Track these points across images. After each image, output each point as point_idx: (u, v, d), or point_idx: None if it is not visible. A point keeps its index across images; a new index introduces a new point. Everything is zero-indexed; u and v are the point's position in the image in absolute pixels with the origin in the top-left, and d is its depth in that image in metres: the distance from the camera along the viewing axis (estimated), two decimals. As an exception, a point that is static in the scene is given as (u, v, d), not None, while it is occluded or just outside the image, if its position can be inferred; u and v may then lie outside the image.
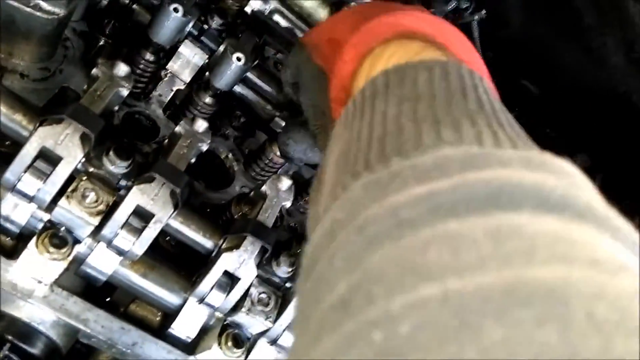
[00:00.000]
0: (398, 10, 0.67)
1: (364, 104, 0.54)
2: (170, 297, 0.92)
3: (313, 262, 0.43)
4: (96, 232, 0.84)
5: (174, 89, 1.15)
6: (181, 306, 0.91)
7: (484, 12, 1.45)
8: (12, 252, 0.84)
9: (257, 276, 0.91)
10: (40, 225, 0.84)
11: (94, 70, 0.87)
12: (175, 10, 0.98)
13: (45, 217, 0.84)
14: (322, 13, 1.28)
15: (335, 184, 0.48)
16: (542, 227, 0.35)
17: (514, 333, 0.28)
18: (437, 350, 0.29)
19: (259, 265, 0.90)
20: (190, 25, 1.08)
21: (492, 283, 0.31)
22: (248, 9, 1.20)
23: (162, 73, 1.14)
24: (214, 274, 0.88)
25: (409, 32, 0.64)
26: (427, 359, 0.29)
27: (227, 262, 0.88)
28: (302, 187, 1.21)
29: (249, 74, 1.16)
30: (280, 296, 0.93)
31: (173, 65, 1.14)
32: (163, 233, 0.89)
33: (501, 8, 1.45)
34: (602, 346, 0.27)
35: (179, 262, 0.97)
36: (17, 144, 0.81)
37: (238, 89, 1.18)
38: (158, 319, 0.99)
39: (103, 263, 0.87)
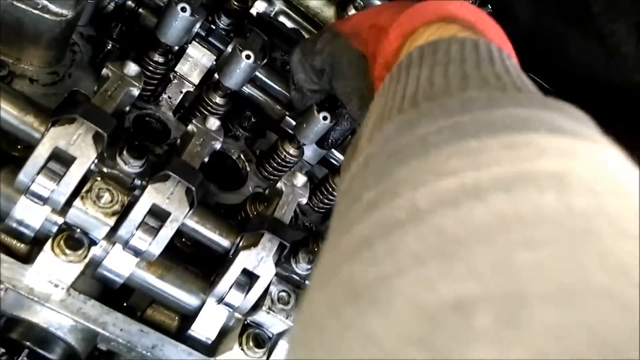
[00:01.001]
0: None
1: (399, 73, 0.58)
2: (189, 299, 0.90)
3: (348, 187, 0.47)
4: (112, 233, 0.82)
5: (183, 90, 1.14)
6: (200, 307, 0.90)
7: (489, 7, 1.44)
8: (28, 257, 0.82)
9: (276, 274, 0.89)
10: (54, 229, 0.83)
11: (104, 71, 0.86)
12: (183, 9, 0.97)
13: (60, 219, 0.83)
14: (327, 12, 1.27)
15: (372, 129, 0.53)
16: (553, 142, 0.39)
17: (520, 200, 0.33)
18: (453, 213, 0.34)
19: (277, 263, 0.89)
20: (198, 25, 1.07)
21: (504, 172, 0.36)
22: (253, 11, 1.20)
23: (171, 75, 1.13)
24: (233, 272, 0.86)
25: (452, 17, 0.68)
26: (444, 223, 0.34)
27: (245, 260, 0.86)
28: (315, 187, 1.19)
29: (258, 74, 1.16)
30: (300, 294, 0.91)
31: (182, 68, 1.13)
32: (179, 234, 0.88)
33: (508, 2, 1.44)
34: (594, 204, 0.33)
35: (196, 263, 0.96)
36: (30, 147, 0.80)
37: (247, 89, 1.17)
38: (175, 323, 0.98)
39: (120, 265, 0.85)
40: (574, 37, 1.36)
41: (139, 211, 0.81)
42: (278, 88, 1.18)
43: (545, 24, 1.41)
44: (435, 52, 0.58)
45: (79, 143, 0.78)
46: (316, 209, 1.21)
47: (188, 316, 0.92)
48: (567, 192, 0.33)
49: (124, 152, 0.82)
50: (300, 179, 0.97)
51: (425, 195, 0.36)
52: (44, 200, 0.78)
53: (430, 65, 0.56)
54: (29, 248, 0.84)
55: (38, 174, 0.77)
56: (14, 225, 0.81)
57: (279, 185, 0.96)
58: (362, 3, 1.22)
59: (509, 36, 1.72)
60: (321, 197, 1.22)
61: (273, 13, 1.24)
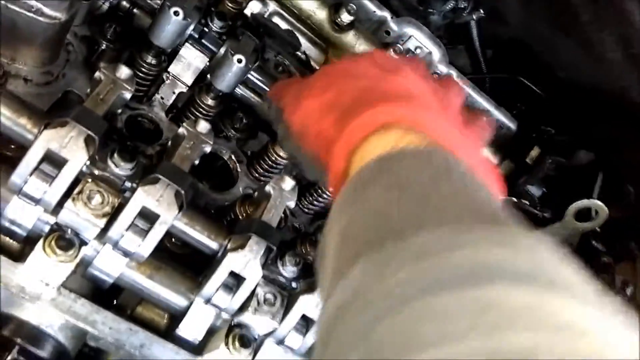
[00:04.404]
0: (375, 100, 0.74)
1: (353, 196, 0.62)
2: (177, 299, 0.92)
3: (324, 344, 0.51)
4: (102, 234, 0.84)
5: (176, 91, 1.16)
6: (188, 307, 0.92)
7: (481, 11, 1.46)
8: (19, 256, 0.84)
9: (262, 276, 0.91)
10: (46, 228, 0.85)
11: (97, 74, 0.88)
12: (176, 13, 0.98)
13: (52, 220, 0.85)
14: (320, 14, 1.29)
15: (336, 270, 0.56)
16: (514, 299, 0.42)
17: None
18: None
19: (264, 265, 0.91)
20: (191, 28, 1.09)
21: (476, 350, 0.39)
22: (247, 12, 1.21)
23: (164, 76, 1.15)
24: (220, 274, 0.88)
25: (390, 123, 0.71)
26: None
27: (232, 262, 0.88)
28: (305, 188, 1.21)
29: (250, 75, 1.17)
30: (286, 296, 0.93)
31: (175, 68, 1.14)
32: (168, 234, 0.90)
33: (499, 6, 1.45)
34: None
35: (185, 263, 0.98)
36: (23, 148, 0.82)
37: (239, 90, 1.18)
38: (165, 321, 1.00)
39: (110, 265, 0.87)
40: (563, 43, 1.38)
41: (129, 213, 0.83)
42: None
43: (535, 29, 1.43)
44: (386, 171, 0.62)
45: (71, 146, 0.80)
46: (305, 210, 1.23)
47: (176, 315, 0.94)
48: None
49: (115, 155, 0.84)
50: (289, 183, 0.99)
51: None
52: (36, 201, 0.80)
53: (385, 187, 0.59)
54: (22, 247, 0.86)
55: (31, 175, 0.79)
56: (7, 224, 0.83)
57: (267, 188, 0.98)
58: (354, 7, 1.24)
59: (501, 39, 1.72)
60: (310, 198, 1.24)
61: (267, 14, 1.25)
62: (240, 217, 1.02)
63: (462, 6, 1.44)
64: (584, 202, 1.29)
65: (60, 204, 0.81)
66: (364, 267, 0.51)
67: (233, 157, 1.17)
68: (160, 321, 1.00)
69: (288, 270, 0.95)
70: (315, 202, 1.23)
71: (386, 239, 0.52)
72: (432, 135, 0.70)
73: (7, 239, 0.85)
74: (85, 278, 0.89)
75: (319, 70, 0.88)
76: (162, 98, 1.14)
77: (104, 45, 1.10)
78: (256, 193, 1.03)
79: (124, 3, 1.13)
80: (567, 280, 0.46)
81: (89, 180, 0.83)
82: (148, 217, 0.84)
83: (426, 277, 0.46)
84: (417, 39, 1.33)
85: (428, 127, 0.72)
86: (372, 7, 1.27)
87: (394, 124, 0.71)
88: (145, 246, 0.84)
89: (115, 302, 0.98)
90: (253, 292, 0.91)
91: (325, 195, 1.22)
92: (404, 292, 0.45)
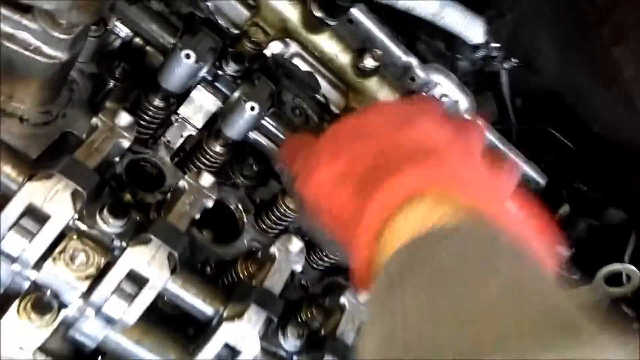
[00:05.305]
0: (394, 168, 0.65)
1: (392, 289, 0.54)
2: (164, 369, 0.84)
3: None
4: (86, 296, 0.76)
5: (185, 134, 1.09)
6: (176, 379, 0.83)
7: (515, 60, 1.38)
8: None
9: (261, 349, 0.82)
10: (26, 285, 0.77)
11: (93, 120, 0.81)
12: (187, 56, 0.92)
13: (33, 274, 0.77)
14: (344, 58, 1.22)
15: None
16: None
17: None
18: None
19: (263, 337, 0.81)
20: (204, 70, 1.02)
21: None
22: (267, 52, 1.14)
23: (173, 118, 1.08)
24: (213, 346, 0.79)
25: (415, 194, 0.63)
26: None
27: (227, 333, 0.79)
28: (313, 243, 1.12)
29: (264, 121, 1.10)
30: (285, 374, 0.84)
31: (185, 111, 1.08)
32: (160, 296, 0.81)
33: (534, 55, 1.38)
34: None
35: (173, 321, 0.89)
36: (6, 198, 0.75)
37: (252, 135, 1.11)
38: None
39: (92, 330, 0.79)
40: (601, 97, 1.31)
41: (115, 275, 0.75)
42: (284, 137, 1.12)
43: (571, 80, 1.35)
44: (424, 260, 0.53)
45: (56, 200, 0.72)
46: (314, 266, 1.14)
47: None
48: None
49: (104, 211, 0.76)
50: (296, 244, 0.91)
51: None
52: (13, 259, 0.73)
53: (426, 282, 0.50)
54: (-2, 304, 0.78)
55: (9, 230, 0.72)
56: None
57: (272, 249, 0.89)
58: (379, 52, 1.17)
59: (532, 88, 1.65)
60: (320, 254, 1.15)
61: (288, 54, 1.19)
62: (241, 275, 0.93)
63: (494, 54, 1.36)
64: (615, 266, 1.22)
65: (40, 262, 0.73)
66: None
67: (240, 206, 1.09)
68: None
69: (290, 343, 0.85)
70: (325, 258, 1.14)
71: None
72: (463, 199, 0.61)
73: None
74: (65, 340, 0.80)
75: (327, 131, 0.80)
76: (168, 141, 1.07)
77: (112, 83, 1.05)
78: (260, 253, 0.94)
79: (137, 40, 1.08)
80: None
81: (74, 237, 0.75)
82: (136, 280, 0.76)
83: None
84: (444, 87, 1.25)
85: (457, 189, 0.64)
86: (398, 52, 1.20)
87: (419, 195, 0.62)
88: (132, 313, 0.76)
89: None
90: (248, 369, 0.81)
91: (335, 252, 1.13)
92: None
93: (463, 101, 1.27)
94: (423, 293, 0.50)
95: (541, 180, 1.34)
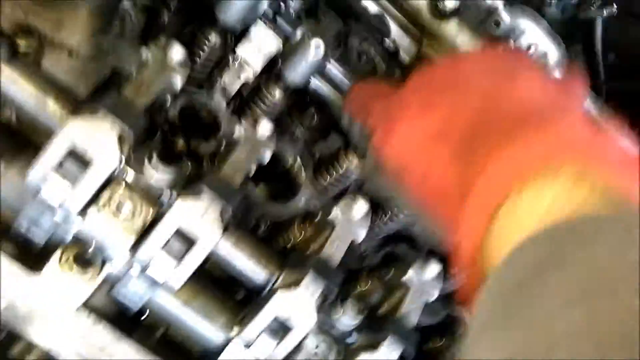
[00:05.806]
0: (509, 129, 0.53)
1: (522, 291, 0.43)
2: (212, 334, 0.77)
3: None
4: (131, 251, 0.69)
5: (242, 77, 0.99)
6: (223, 347, 0.76)
7: (614, 8, 1.20)
8: (36, 267, 0.71)
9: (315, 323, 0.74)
10: (68, 238, 0.71)
11: (144, 54, 0.72)
12: (249, -16, 0.81)
13: (76, 225, 0.71)
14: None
15: None
16: None
17: None
18: None
19: (319, 311, 0.73)
20: (265, 4, 0.91)
21: None
22: (335, -12, 1.02)
23: (230, 57, 0.98)
24: (264, 317, 0.71)
25: (546, 166, 0.50)
26: None
27: (280, 304, 0.71)
28: (377, 204, 1.02)
29: (329, 65, 0.99)
30: (342, 351, 0.75)
31: (243, 50, 0.98)
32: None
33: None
34: None
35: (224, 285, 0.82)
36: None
37: (315, 81, 1.00)
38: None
39: (137, 288, 0.73)
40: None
41: (163, 230, 0.68)
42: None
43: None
44: (573, 257, 0.41)
45: (101, 140, 0.64)
46: (376, 233, 1.04)
47: (208, 351, 0.79)
48: None
49: (153, 157, 0.68)
50: (360, 207, 0.81)
51: None
52: (55, 206, 0.66)
53: (585, 287, 0.38)
54: (38, 257, 0.72)
55: (52, 172, 0.65)
56: (23, 229, 0.70)
57: (333, 214, 0.79)
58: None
59: (630, 42, 1.45)
60: (384, 216, 1.05)
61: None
62: (297, 239, 0.84)
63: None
64: None
65: (82, 212, 0.67)
66: None
67: (298, 161, 1.00)
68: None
69: (347, 318, 0.76)
70: (390, 222, 1.04)
71: None
72: (607, 178, 0.49)
73: (22, 248, 0.72)
74: (109, 299, 0.75)
75: (413, 78, 0.67)
76: (225, 83, 0.98)
77: (166, 17, 0.95)
78: (319, 217, 0.84)
79: (195, -32, 0.97)
80: None
81: (122, 184, 0.68)
82: (185, 237, 0.69)
83: None
84: (532, 34, 1.10)
85: (597, 164, 0.51)
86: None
87: (552, 170, 0.50)
88: (179, 275, 0.69)
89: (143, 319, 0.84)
90: (302, 343, 0.73)
91: (401, 216, 1.03)
92: None
93: (553, 53, 1.11)
94: (579, 303, 0.37)
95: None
